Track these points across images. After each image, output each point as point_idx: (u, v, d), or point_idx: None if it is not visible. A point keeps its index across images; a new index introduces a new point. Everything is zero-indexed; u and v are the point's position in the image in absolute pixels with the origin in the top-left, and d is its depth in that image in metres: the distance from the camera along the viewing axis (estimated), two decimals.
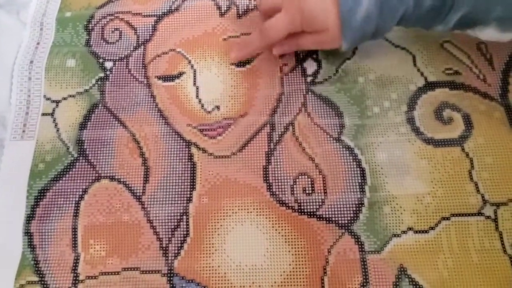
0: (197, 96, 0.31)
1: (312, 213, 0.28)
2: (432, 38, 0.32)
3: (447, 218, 0.27)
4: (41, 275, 0.27)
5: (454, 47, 0.31)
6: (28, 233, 0.28)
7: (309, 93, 0.31)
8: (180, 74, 0.31)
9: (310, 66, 0.31)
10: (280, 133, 0.30)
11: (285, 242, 0.27)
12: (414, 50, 0.31)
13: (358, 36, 0.27)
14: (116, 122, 0.30)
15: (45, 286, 0.26)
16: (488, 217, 0.27)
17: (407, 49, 0.31)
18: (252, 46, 0.31)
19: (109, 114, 0.31)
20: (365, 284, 0.26)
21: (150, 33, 0.33)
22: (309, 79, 0.31)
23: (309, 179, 0.28)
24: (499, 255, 0.26)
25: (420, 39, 0.32)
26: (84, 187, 0.29)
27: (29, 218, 0.28)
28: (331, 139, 0.29)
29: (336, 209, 0.28)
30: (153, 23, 0.33)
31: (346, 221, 0.27)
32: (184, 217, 0.28)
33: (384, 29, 0.27)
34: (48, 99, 0.31)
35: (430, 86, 0.30)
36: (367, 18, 0.26)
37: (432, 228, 0.27)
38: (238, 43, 0.32)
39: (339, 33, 0.27)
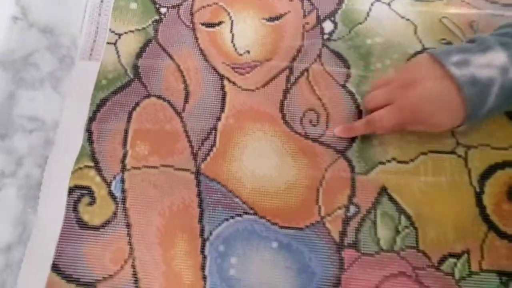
0: (232, 41, 0.38)
1: (315, 139, 0.34)
2: (432, 13, 0.37)
3: (425, 153, 0.33)
4: (96, 162, 0.34)
5: (450, 22, 0.37)
6: (89, 131, 0.35)
7: (324, 47, 0.37)
8: (220, 23, 0.38)
9: (328, 26, 0.38)
10: (296, 76, 0.36)
11: (292, 159, 0.34)
12: (416, 21, 0.37)
13: (474, 123, 0.30)
14: (166, 55, 0.37)
15: (98, 170, 0.34)
16: (459, 156, 0.33)
17: (411, 20, 0.37)
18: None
19: (160, 49, 0.38)
20: (352, 196, 0.32)
21: None
22: (325, 36, 0.37)
23: (316, 114, 0.35)
24: (466, 186, 0.32)
25: (423, 14, 0.38)
26: (136, 101, 0.36)
27: (91, 119, 0.35)
28: (338, 85, 0.36)
29: (335, 138, 0.34)
30: None
31: (342, 148, 0.34)
32: (213, 131, 0.34)
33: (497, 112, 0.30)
34: (112, 31, 0.38)
35: (425, 50, 0.36)
36: (489, 112, 0.29)
37: (412, 160, 0.33)
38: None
39: (454, 127, 0.30)
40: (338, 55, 0.37)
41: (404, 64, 0.33)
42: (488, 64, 0.28)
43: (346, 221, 0.32)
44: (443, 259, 0.30)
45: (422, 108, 0.29)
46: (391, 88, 0.31)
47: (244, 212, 0.32)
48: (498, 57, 0.28)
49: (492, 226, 0.31)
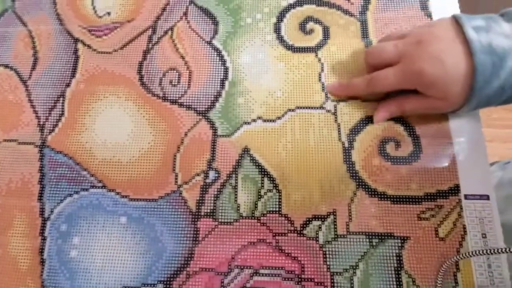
0: (92, 4, 0.34)
1: (174, 101, 0.31)
2: None
3: (293, 110, 0.30)
4: None
5: None
6: None
7: (191, 4, 0.34)
8: None
9: None
10: (159, 36, 0.33)
11: (148, 124, 0.30)
12: None
13: (481, 105, 0.26)
14: (19, 22, 0.34)
15: None
16: (328, 111, 0.30)
17: None
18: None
19: (15, 17, 0.34)
20: (212, 160, 0.29)
21: None
22: None
23: (177, 73, 0.31)
24: (334, 142, 0.29)
25: None
26: None
27: None
28: (203, 42, 0.32)
29: (196, 98, 0.31)
30: None
31: (203, 109, 0.30)
32: (61, 99, 0.31)
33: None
34: None
35: (299, 3, 0.33)
36: (500, 89, 0.25)
37: (279, 118, 0.30)
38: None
39: (462, 101, 0.26)
40: (206, 12, 0.33)
41: (426, 23, 0.29)
42: (509, 34, 0.25)
43: (204, 188, 0.28)
44: (306, 223, 0.27)
45: (429, 69, 0.26)
46: (404, 41, 0.28)
47: (91, 186, 0.29)
48: None
49: (361, 184, 0.28)
